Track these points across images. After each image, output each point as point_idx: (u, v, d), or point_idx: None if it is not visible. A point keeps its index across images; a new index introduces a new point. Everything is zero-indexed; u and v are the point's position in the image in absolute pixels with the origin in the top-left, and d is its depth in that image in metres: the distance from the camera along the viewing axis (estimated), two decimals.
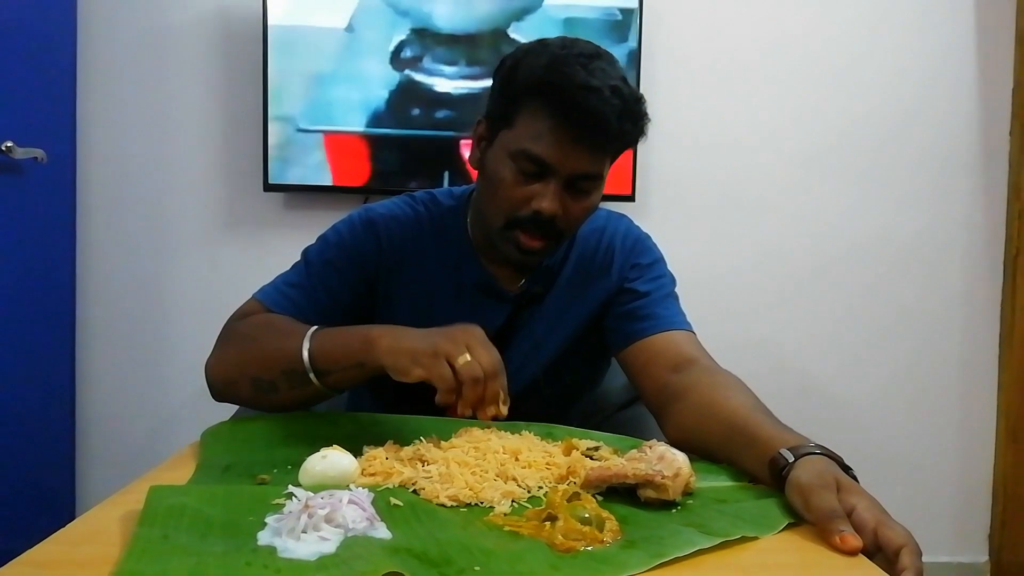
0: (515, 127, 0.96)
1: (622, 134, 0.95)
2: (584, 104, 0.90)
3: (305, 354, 0.88)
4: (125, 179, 2.07)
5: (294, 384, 0.90)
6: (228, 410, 1.42)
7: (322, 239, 1.11)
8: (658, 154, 2.09)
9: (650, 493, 0.71)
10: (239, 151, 2.07)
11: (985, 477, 2.27)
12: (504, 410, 0.82)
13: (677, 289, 1.12)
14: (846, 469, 0.73)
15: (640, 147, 2.02)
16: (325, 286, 1.06)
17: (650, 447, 0.77)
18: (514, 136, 0.96)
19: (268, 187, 1.99)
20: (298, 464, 0.74)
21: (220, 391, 0.99)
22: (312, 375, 0.88)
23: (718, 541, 0.62)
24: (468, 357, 0.79)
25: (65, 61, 1.94)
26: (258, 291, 1.06)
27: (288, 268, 1.10)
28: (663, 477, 0.70)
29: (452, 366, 0.79)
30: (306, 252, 1.11)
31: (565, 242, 1.04)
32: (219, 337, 1.01)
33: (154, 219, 2.08)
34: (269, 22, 1.95)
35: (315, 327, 0.92)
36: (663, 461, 0.72)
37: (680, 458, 0.73)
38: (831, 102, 2.17)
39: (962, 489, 2.26)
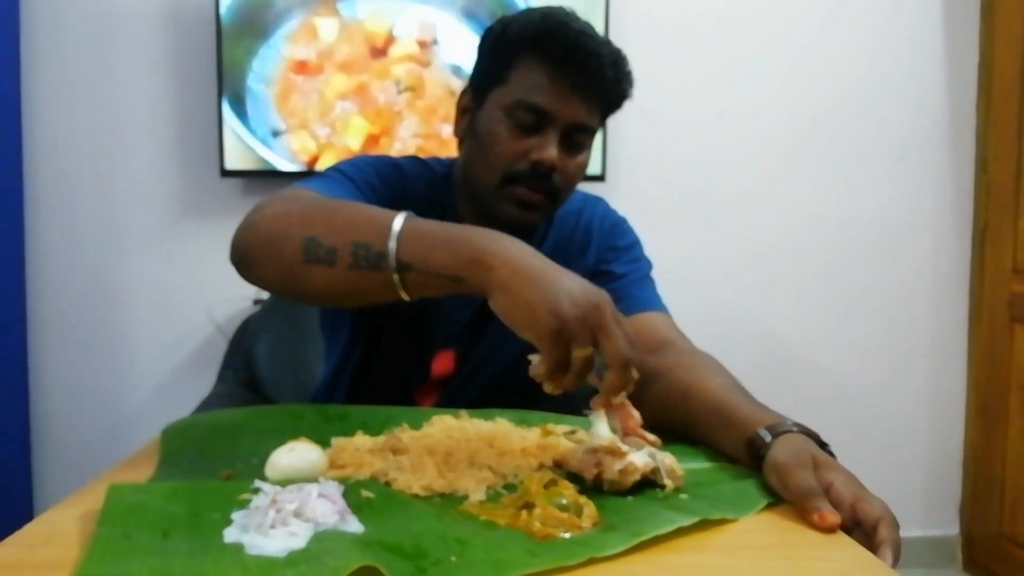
0: (509, 82, 0.96)
1: (616, 83, 0.97)
2: (581, 48, 0.93)
3: (395, 231, 0.73)
4: (75, 168, 2.01)
5: (360, 263, 0.74)
6: (190, 407, 1.39)
7: (349, 163, 1.02)
8: (628, 134, 2.09)
9: (604, 485, 0.70)
10: (193, 136, 2.01)
11: (955, 451, 2.32)
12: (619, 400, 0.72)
13: (653, 273, 1.12)
14: (823, 445, 0.73)
15: (610, 127, 2.03)
16: (371, 186, 0.99)
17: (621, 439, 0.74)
18: (509, 90, 0.96)
19: (225, 173, 1.94)
20: (264, 458, 0.72)
21: (255, 249, 0.81)
22: (392, 260, 0.72)
23: (697, 519, 0.62)
24: (589, 351, 0.67)
25: (8, 45, 1.86)
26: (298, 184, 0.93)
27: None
28: (592, 473, 0.70)
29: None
30: (334, 168, 1.00)
31: (560, 205, 1.03)
32: (255, 208, 0.84)
33: (106, 209, 2.02)
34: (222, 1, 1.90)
35: (410, 213, 0.76)
36: (613, 456, 0.70)
37: (637, 455, 0.70)
38: (800, 80, 2.19)
39: (933, 463, 2.31)
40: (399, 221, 0.73)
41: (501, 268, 0.69)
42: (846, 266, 2.24)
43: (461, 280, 0.71)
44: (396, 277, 0.73)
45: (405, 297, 0.74)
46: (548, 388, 0.70)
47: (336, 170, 0.99)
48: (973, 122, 2.24)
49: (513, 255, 0.70)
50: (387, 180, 1.01)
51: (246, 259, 0.82)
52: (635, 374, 0.70)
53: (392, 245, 0.72)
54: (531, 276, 0.69)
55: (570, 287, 0.68)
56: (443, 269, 0.71)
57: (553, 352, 0.67)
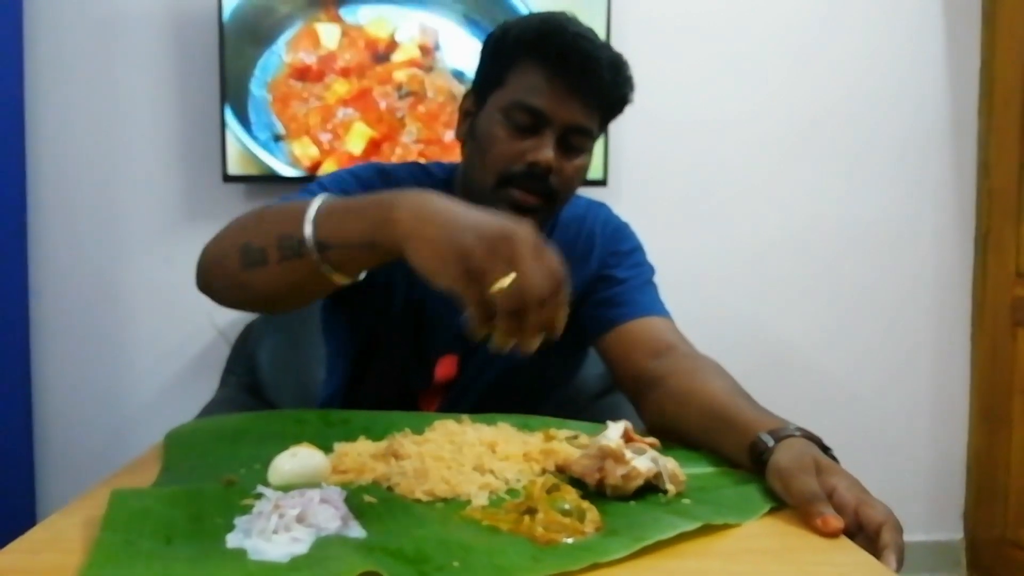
0: (507, 85, 0.97)
1: (614, 86, 0.97)
2: (578, 50, 0.94)
3: (310, 214, 0.72)
4: (77, 172, 2.01)
5: (287, 253, 0.74)
6: (192, 411, 1.39)
7: (333, 176, 1.03)
8: (629, 138, 2.09)
9: (607, 490, 0.70)
10: (196, 141, 2.01)
11: (958, 455, 2.31)
12: (553, 332, 0.66)
13: (655, 278, 1.12)
14: (826, 450, 0.73)
15: (611, 131, 2.03)
16: (348, 195, 0.99)
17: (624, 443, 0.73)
18: (507, 92, 0.97)
19: (228, 178, 1.94)
20: (266, 463, 0.72)
21: (208, 270, 0.84)
22: (311, 243, 0.72)
23: (700, 524, 0.62)
24: (507, 282, 0.62)
25: (11, 49, 1.87)
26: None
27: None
28: (595, 478, 0.69)
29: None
30: (315, 181, 1.02)
31: (558, 208, 1.02)
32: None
33: (109, 214, 2.02)
34: (224, 5, 1.90)
35: (329, 194, 0.76)
36: (616, 461, 0.69)
37: (640, 460, 0.70)
38: (801, 83, 2.18)
39: (936, 467, 2.30)
40: (315, 204, 0.73)
41: (405, 219, 0.67)
42: (848, 269, 2.24)
43: (374, 244, 0.69)
44: (319, 259, 0.72)
45: (339, 280, 0.74)
46: (498, 340, 0.65)
47: (315, 183, 1.01)
48: (975, 126, 2.24)
49: (416, 203, 0.68)
50: (370, 187, 1.01)
51: (205, 282, 0.85)
52: (562, 311, 0.65)
53: (308, 228, 0.72)
54: (433, 218, 0.66)
55: (477, 221, 0.65)
56: (357, 238, 0.70)
57: (469, 293, 0.63)
